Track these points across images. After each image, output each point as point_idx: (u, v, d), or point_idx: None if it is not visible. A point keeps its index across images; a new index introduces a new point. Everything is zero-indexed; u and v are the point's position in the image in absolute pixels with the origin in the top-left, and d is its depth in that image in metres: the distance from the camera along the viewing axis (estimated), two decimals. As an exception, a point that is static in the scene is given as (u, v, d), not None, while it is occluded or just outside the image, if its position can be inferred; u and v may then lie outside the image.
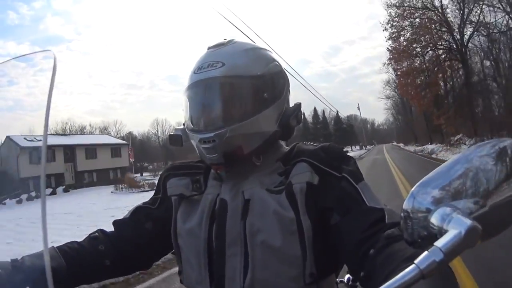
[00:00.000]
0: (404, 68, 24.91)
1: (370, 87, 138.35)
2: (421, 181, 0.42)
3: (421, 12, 23.38)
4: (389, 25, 24.10)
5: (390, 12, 23.80)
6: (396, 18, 23.75)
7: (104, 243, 0.79)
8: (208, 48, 0.77)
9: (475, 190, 0.40)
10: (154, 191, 0.89)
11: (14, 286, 0.67)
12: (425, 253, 0.36)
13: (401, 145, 60.91)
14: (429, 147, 28.54)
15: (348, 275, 0.97)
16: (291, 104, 0.80)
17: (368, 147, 69.87)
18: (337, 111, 64.95)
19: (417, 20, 23.68)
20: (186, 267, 0.76)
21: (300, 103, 0.80)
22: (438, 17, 23.19)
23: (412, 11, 23.65)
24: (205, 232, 0.72)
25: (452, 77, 24.66)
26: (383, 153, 35.80)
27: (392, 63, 26.00)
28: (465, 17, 22.12)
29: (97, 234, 0.82)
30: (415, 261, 0.36)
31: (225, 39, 0.78)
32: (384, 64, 28.14)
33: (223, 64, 0.71)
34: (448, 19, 22.95)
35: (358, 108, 60.76)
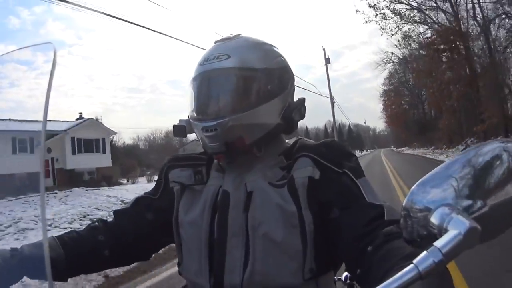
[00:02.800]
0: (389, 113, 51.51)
1: (370, 92, 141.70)
2: (421, 180, 0.42)
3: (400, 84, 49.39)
4: (385, 94, 49.47)
5: (384, 89, 49.10)
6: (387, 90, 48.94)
7: (104, 233, 0.79)
8: (215, 42, 0.78)
9: (475, 190, 0.40)
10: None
11: (12, 275, 0.67)
12: (424, 253, 0.36)
13: (395, 148, 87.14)
14: (402, 148, 55.86)
15: (346, 273, 0.97)
16: (295, 99, 0.81)
17: (371, 150, 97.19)
18: (349, 124, 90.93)
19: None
20: (186, 258, 0.77)
21: (304, 99, 0.80)
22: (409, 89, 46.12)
23: (395, 84, 49.73)
24: (207, 223, 0.73)
25: (414, 118, 47.71)
26: (380, 152, 63.61)
27: (384, 112, 52.64)
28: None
29: (97, 223, 0.81)
30: (414, 261, 0.36)
31: (232, 34, 0.79)
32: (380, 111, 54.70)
33: (229, 56, 0.72)
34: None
35: (365, 122, 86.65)
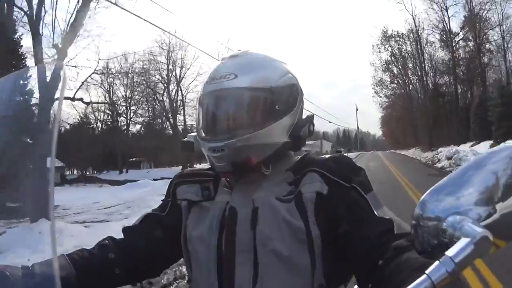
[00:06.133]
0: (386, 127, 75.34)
1: (371, 98, 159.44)
2: (431, 188, 0.42)
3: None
4: (384, 119, 66.05)
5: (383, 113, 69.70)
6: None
7: (114, 251, 0.79)
8: (222, 59, 0.78)
9: (486, 197, 0.40)
10: None
11: None
12: (436, 263, 0.36)
13: (387, 151, 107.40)
14: (391, 150, 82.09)
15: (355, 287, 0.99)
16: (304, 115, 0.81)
17: (372, 151, 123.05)
18: (355, 132, 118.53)
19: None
20: (196, 274, 0.76)
21: (312, 115, 0.80)
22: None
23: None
24: (215, 239, 0.72)
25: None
26: (377, 152, 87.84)
27: (382, 126, 76.17)
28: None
29: (106, 241, 0.81)
30: (427, 272, 0.36)
31: (240, 50, 0.79)
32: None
33: (236, 75, 0.72)
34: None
35: (368, 131, 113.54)
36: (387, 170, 15.77)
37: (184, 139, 0.81)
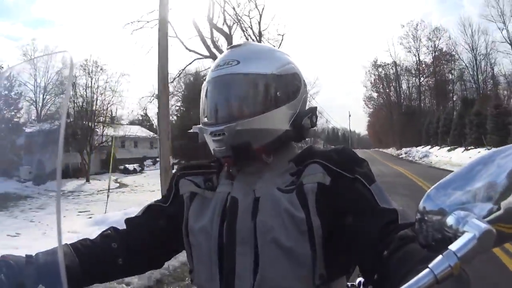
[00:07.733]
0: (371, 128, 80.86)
1: (355, 94, 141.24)
2: (437, 183, 0.42)
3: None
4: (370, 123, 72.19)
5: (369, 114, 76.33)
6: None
7: (117, 241, 0.78)
8: (227, 49, 0.80)
9: (491, 193, 0.40)
10: None
11: (27, 283, 0.66)
12: (440, 257, 0.36)
13: (372, 148, 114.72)
14: (376, 148, 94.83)
15: (359, 279, 0.95)
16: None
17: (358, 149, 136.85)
18: (344, 132, 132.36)
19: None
20: (197, 264, 0.76)
21: (315, 107, 0.80)
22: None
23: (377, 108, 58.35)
24: (216, 229, 0.72)
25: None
26: (365, 150, 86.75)
27: (368, 129, 78.89)
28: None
29: (109, 232, 0.81)
30: (429, 265, 0.36)
31: (244, 40, 0.84)
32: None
33: (238, 62, 0.74)
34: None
35: (355, 131, 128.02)
36: (374, 157, 31.15)
37: (189, 131, 0.81)
